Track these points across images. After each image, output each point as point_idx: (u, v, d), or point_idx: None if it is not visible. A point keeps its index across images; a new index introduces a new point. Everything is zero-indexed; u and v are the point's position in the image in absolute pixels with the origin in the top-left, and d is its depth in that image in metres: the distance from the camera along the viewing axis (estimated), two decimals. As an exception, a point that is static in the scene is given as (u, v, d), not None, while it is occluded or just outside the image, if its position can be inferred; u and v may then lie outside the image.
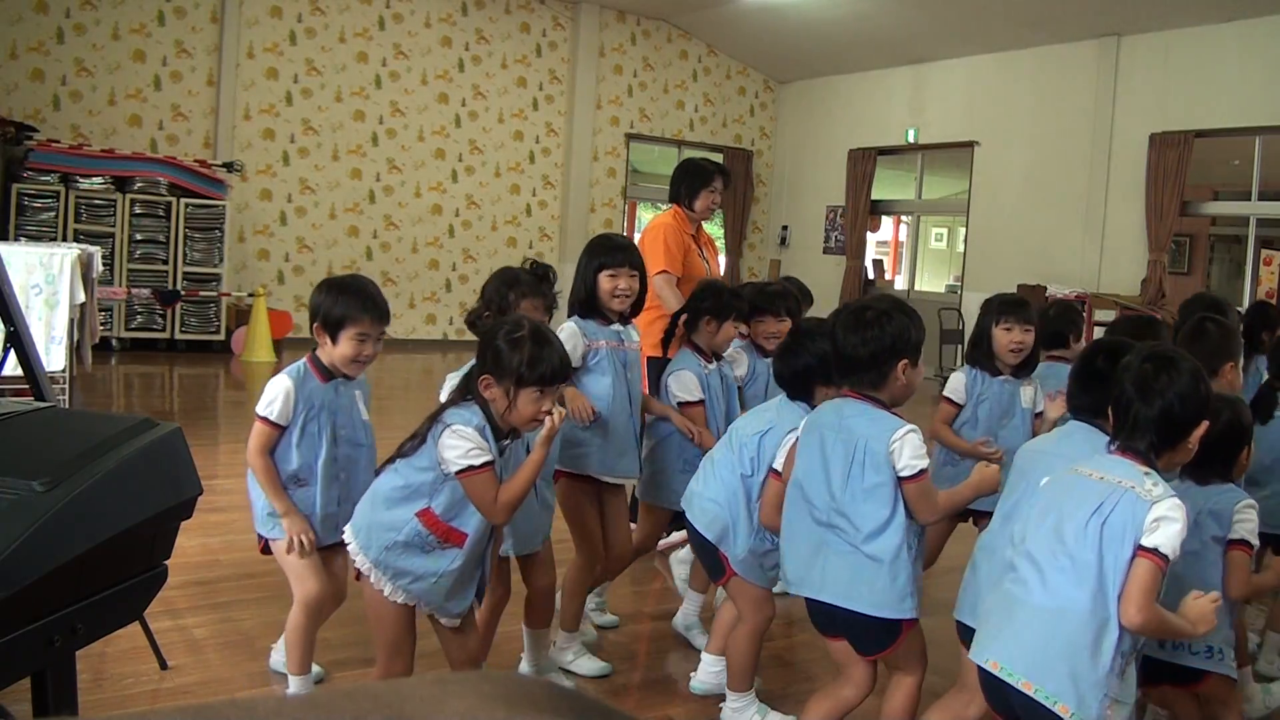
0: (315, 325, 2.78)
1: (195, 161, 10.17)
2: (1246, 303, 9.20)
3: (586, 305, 3.21)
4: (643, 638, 3.49)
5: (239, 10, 10.63)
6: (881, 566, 2.39)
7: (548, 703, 0.49)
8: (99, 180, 9.52)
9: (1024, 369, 3.52)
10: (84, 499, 1.58)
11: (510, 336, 2.40)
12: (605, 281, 3.18)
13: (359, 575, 2.48)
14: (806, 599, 2.56)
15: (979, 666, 2.14)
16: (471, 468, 2.34)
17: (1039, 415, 3.47)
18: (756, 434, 2.86)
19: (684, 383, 3.41)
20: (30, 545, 1.49)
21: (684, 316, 3.51)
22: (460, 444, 2.35)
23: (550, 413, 2.40)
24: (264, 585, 3.78)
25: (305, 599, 2.78)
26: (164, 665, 3.03)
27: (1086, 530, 2.02)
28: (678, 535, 3.88)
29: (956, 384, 3.54)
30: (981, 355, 3.51)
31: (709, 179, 4.51)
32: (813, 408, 2.83)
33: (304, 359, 2.84)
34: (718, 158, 12.02)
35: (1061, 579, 2.03)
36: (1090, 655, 1.98)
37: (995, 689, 2.11)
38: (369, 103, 11.42)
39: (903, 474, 2.40)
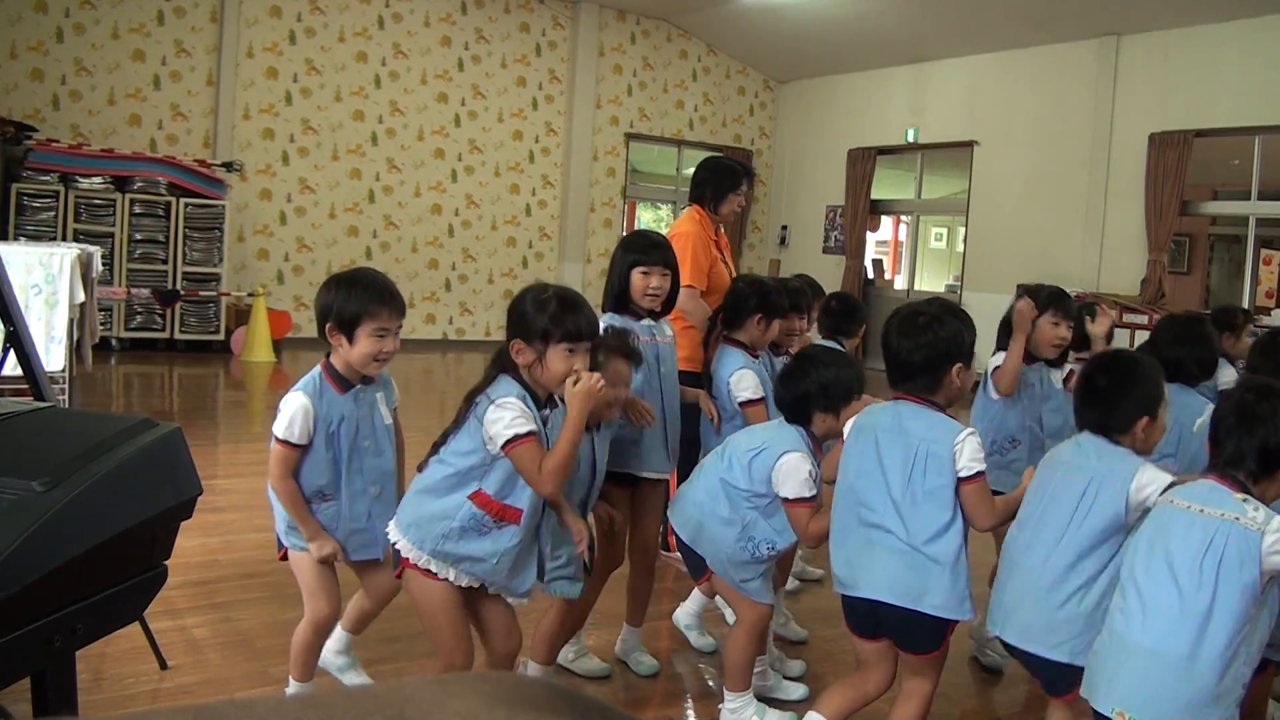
0: (328, 326, 2.59)
1: (195, 161, 10.16)
2: (1247, 303, 9.21)
3: (619, 301, 3.18)
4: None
5: (238, 10, 10.63)
6: (944, 569, 2.41)
7: (548, 703, 0.49)
8: (98, 180, 9.51)
9: (1055, 361, 3.57)
10: (84, 499, 1.58)
11: (537, 299, 2.44)
12: (638, 279, 3.15)
13: (400, 573, 2.47)
14: (847, 598, 2.56)
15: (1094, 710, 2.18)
16: (518, 436, 2.34)
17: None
18: (750, 450, 2.85)
19: (746, 382, 3.37)
20: (30, 545, 1.49)
21: (721, 314, 3.49)
22: (504, 414, 2.36)
23: (582, 371, 2.40)
24: (264, 585, 3.78)
25: (315, 617, 2.73)
26: (164, 665, 3.03)
27: (1201, 570, 2.05)
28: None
29: None
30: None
31: (738, 181, 4.27)
32: (810, 433, 2.83)
33: (317, 369, 2.67)
34: (717, 157, 12.01)
35: (1183, 624, 2.06)
36: (1214, 697, 2.04)
37: None
38: (369, 102, 11.42)
39: (961, 474, 2.42)
